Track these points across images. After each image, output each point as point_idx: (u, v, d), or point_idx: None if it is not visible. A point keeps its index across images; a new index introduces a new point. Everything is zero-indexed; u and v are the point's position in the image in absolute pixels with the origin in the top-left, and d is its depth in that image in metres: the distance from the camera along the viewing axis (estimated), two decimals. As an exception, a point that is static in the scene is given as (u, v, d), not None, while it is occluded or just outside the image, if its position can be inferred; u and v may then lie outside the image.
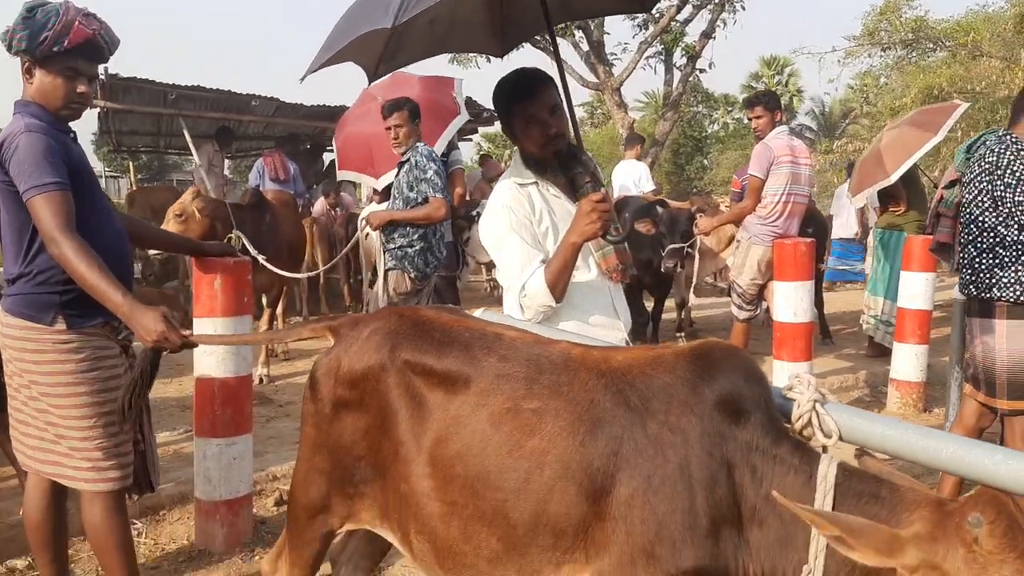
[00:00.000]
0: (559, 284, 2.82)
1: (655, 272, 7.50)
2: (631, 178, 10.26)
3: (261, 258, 5.22)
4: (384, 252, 5.21)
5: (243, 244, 6.08)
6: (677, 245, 7.29)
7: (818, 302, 8.58)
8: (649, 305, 8.25)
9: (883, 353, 7.52)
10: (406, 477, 2.07)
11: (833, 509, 1.73)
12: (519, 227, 2.91)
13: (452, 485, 2.00)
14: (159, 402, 6.04)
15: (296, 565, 2.43)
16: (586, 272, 3.00)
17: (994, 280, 3.93)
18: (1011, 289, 3.87)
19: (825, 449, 1.96)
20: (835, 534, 1.59)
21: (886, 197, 7.90)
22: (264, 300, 6.99)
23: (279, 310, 7.44)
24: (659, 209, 7.45)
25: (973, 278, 4.06)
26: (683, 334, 8.72)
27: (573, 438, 1.90)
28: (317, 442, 2.31)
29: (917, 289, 6.51)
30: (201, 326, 3.85)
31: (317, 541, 2.37)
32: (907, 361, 6.59)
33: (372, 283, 5.40)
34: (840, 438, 1.90)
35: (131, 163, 16.46)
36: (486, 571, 2.01)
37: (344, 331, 2.35)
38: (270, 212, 6.92)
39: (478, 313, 3.07)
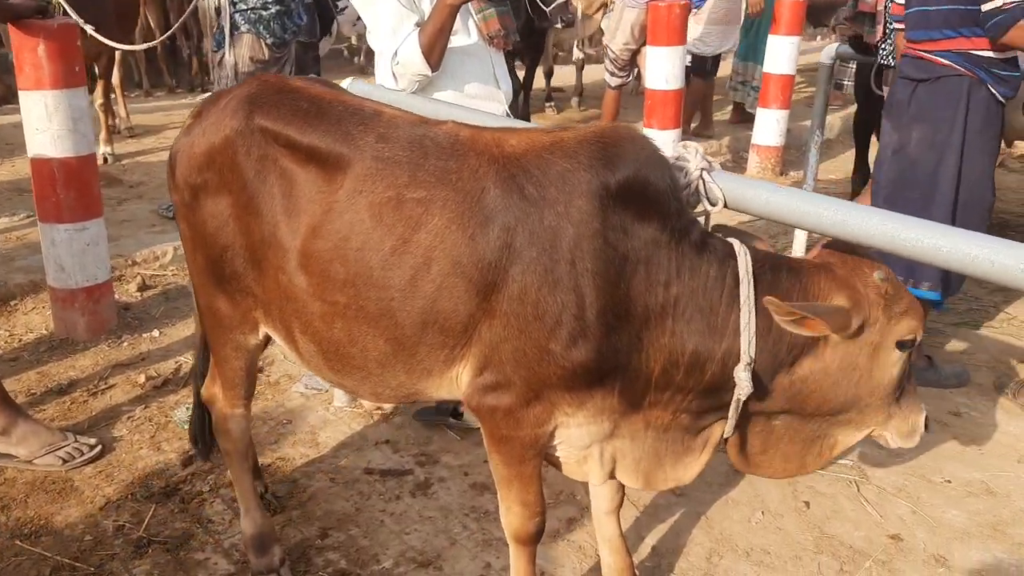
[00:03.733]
0: (435, 51, 2.61)
1: (528, 35, 7.18)
2: None
3: (90, 29, 4.60)
4: (235, 13, 4.68)
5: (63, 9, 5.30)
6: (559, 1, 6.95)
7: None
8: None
9: (746, 119, 7.71)
10: (283, 267, 1.92)
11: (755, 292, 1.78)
12: (390, -15, 2.63)
13: (332, 283, 1.86)
14: (-9, 186, 5.52)
15: (225, 385, 2.28)
16: (465, 37, 2.78)
17: None
18: None
19: (708, 217, 1.98)
20: (802, 320, 1.69)
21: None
22: (96, 70, 6.27)
23: (116, 81, 6.73)
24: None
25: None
26: (553, 103, 8.60)
27: (462, 231, 1.76)
28: (190, 238, 2.11)
29: (783, 53, 6.57)
30: (29, 100, 3.42)
31: (235, 356, 2.20)
32: (768, 127, 6.77)
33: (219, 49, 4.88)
34: (725, 205, 1.90)
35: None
36: (376, 372, 1.93)
37: (207, 106, 2.10)
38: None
39: (346, 83, 2.84)
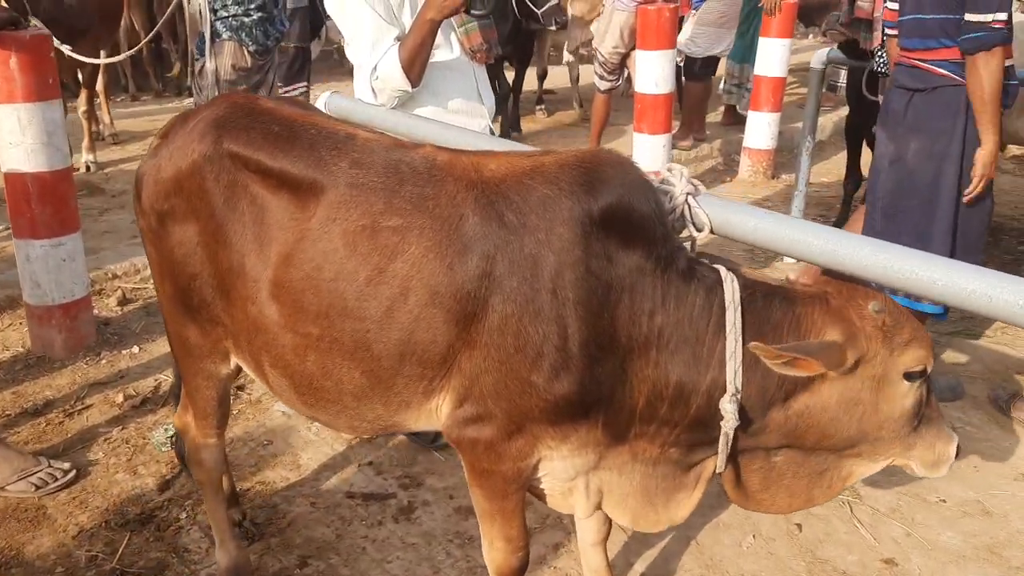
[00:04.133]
0: (415, 66, 2.54)
1: (516, 40, 7.10)
2: None
3: (66, 49, 4.51)
4: (216, 21, 4.59)
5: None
6: (554, 2, 6.84)
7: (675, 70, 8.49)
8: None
9: (737, 121, 7.63)
10: (252, 298, 1.86)
11: (741, 322, 1.72)
12: (370, -2, 2.55)
13: (305, 314, 1.79)
14: (-29, 195, 5.42)
15: (197, 415, 2.21)
16: (447, 51, 2.71)
17: None
18: None
19: (694, 243, 1.92)
20: (792, 361, 1.62)
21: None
22: (80, 77, 6.16)
23: (100, 87, 6.63)
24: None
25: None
26: (544, 107, 8.52)
27: (440, 260, 1.70)
28: (158, 263, 2.04)
29: (774, 56, 6.50)
30: (1, 113, 3.33)
31: (206, 386, 2.13)
32: (760, 130, 6.70)
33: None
34: (711, 231, 1.83)
35: None
36: (351, 406, 1.87)
37: (174, 127, 2.03)
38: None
39: (323, 98, 2.77)
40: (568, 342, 1.68)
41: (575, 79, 8.53)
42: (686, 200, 1.82)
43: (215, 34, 4.60)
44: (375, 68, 2.55)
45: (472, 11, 2.48)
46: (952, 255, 3.19)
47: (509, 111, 7.45)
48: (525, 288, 1.68)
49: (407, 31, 2.54)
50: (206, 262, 1.92)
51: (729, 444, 1.79)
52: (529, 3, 6.81)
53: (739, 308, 1.73)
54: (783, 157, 7.01)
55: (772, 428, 1.81)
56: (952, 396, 3.41)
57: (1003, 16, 2.84)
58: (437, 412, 1.85)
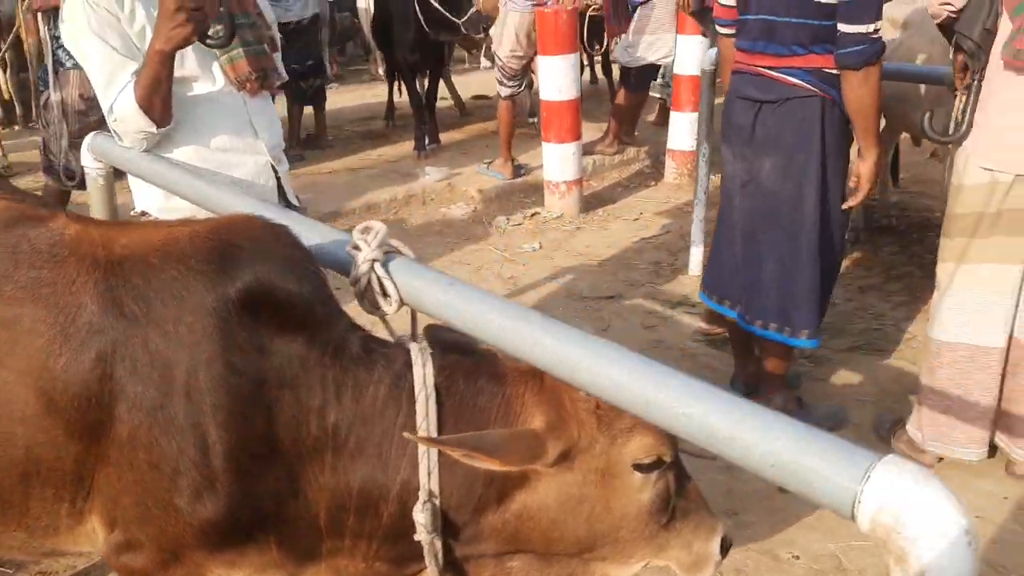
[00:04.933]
0: (155, 103, 2.23)
1: (422, 49, 6.77)
2: None
3: None
4: (57, 48, 4.30)
5: None
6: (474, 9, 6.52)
7: (606, 69, 8.23)
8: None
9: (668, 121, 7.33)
10: None
11: (438, 412, 1.46)
12: (102, 29, 2.25)
13: None
14: None
15: None
16: (208, 83, 2.41)
17: None
18: None
19: (415, 317, 1.62)
20: (470, 455, 1.36)
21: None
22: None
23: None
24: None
25: None
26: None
27: (54, 361, 1.42)
28: None
29: (691, 53, 6.19)
30: None
31: None
32: (682, 131, 6.40)
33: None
34: (401, 302, 1.53)
35: None
36: None
37: None
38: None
39: (88, 139, 2.49)
40: (210, 455, 1.39)
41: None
42: (372, 267, 1.52)
43: (57, 63, 4.31)
44: (112, 108, 2.25)
45: (207, 41, 2.18)
46: (820, 280, 2.92)
47: (427, 125, 7.13)
48: (152, 392, 1.39)
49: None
50: None
51: (438, 556, 1.50)
52: (447, 14, 6.48)
53: (432, 395, 1.46)
54: (712, 156, 6.70)
55: (488, 534, 1.52)
56: (831, 425, 3.11)
57: (879, 24, 2.60)
58: (95, 535, 1.56)
